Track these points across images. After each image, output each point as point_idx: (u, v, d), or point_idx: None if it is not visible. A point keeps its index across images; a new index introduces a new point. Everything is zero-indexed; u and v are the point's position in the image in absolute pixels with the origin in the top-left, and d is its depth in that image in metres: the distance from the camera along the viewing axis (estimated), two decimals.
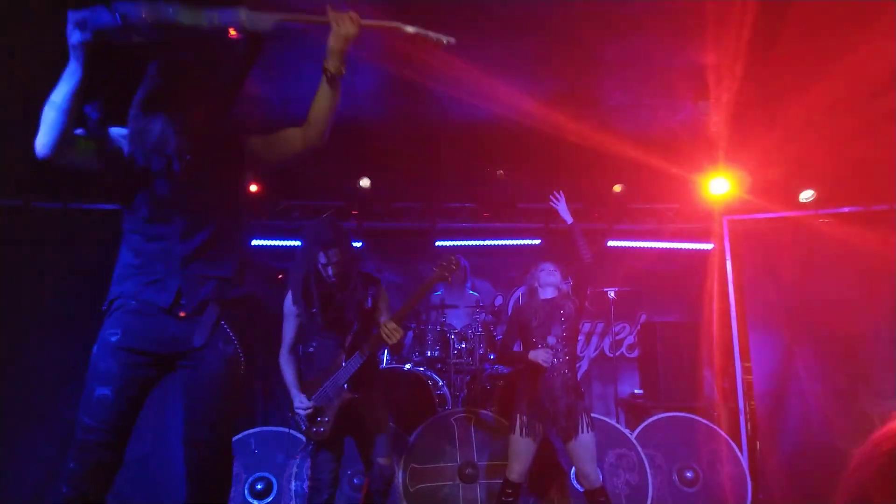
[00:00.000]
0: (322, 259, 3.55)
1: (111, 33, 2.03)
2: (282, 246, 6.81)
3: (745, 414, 5.81)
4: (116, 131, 2.30)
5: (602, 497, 4.01)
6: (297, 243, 6.67)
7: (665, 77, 4.61)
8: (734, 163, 6.03)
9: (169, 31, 2.10)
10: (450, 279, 3.79)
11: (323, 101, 2.41)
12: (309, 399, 3.63)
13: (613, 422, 5.39)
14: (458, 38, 2.30)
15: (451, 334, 5.82)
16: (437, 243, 7.02)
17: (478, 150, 5.88)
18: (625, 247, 7.16)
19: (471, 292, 6.57)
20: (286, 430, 5.05)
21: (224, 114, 2.50)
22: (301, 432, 3.70)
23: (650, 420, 5.20)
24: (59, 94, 2.05)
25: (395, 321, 3.56)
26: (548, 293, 4.06)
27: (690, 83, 4.67)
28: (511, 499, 4.09)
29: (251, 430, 4.97)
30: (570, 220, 4.26)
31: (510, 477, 4.05)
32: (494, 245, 7.17)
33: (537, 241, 7.07)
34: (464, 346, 5.81)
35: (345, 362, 3.60)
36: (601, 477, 4.16)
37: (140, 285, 2.22)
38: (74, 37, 2.02)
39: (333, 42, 2.32)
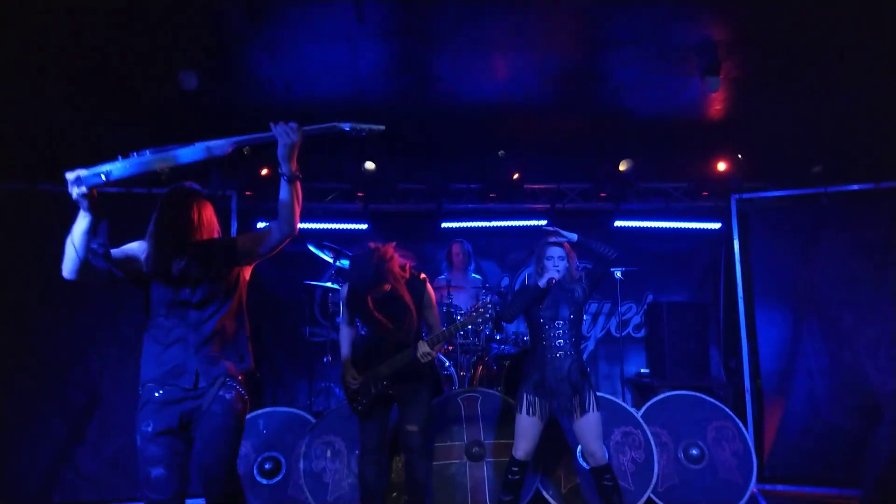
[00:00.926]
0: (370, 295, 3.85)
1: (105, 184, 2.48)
2: None
3: (752, 392, 5.82)
4: (132, 247, 2.83)
5: (608, 474, 4.04)
6: (304, 225, 6.75)
7: (672, 53, 4.55)
8: (742, 140, 5.99)
9: (152, 174, 2.59)
10: (481, 327, 4.35)
11: (286, 199, 2.80)
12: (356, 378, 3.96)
13: (619, 401, 5.40)
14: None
15: (457, 315, 5.82)
16: (443, 224, 7.00)
17: (484, 129, 5.84)
18: (632, 226, 7.13)
19: (474, 276, 6.56)
20: (296, 411, 5.10)
21: (219, 228, 3.01)
22: (346, 401, 4.05)
23: (656, 399, 5.20)
24: (75, 233, 2.54)
25: (429, 345, 3.87)
26: (556, 273, 4.05)
27: (698, 59, 4.61)
28: (517, 477, 4.12)
29: (260, 412, 5.00)
30: (574, 237, 4.17)
31: (516, 455, 4.07)
32: (500, 226, 7.14)
33: (544, 222, 7.04)
34: (470, 326, 5.80)
35: (386, 361, 3.90)
36: (607, 455, 4.18)
37: (164, 373, 2.71)
38: (73, 192, 2.46)
39: (282, 151, 2.68)
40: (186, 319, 2.75)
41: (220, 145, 2.66)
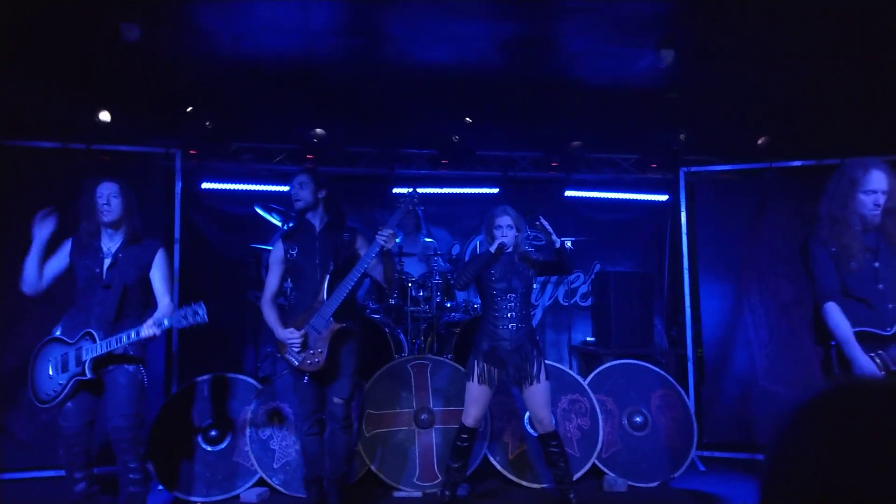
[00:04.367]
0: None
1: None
2: (234, 190, 6.62)
3: (693, 361, 5.97)
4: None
5: (554, 441, 4.11)
6: (250, 187, 6.57)
7: (626, 22, 4.54)
8: (691, 113, 6.06)
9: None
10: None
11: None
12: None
13: (566, 368, 5.48)
14: None
15: (408, 282, 5.79)
16: (394, 190, 6.91)
17: (436, 94, 5.74)
18: (582, 196, 7.18)
19: (426, 240, 6.51)
20: (242, 377, 5.00)
21: None
22: (295, 368, 3.88)
23: (602, 367, 5.29)
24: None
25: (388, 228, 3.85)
26: (505, 240, 4.02)
27: (652, 31, 4.61)
28: (466, 444, 4.15)
29: (203, 377, 4.88)
30: (558, 241, 4.06)
31: (466, 422, 4.10)
32: (452, 193, 7.09)
33: (496, 190, 7.02)
34: (421, 294, 5.79)
35: (326, 298, 3.81)
36: (554, 422, 4.24)
37: None
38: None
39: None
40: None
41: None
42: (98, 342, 3.58)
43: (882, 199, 3.26)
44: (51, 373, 3.68)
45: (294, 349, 3.83)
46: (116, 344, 3.57)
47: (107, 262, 3.74)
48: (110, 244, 3.78)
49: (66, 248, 3.80)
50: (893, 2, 3.90)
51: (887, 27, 4.16)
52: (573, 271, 4.23)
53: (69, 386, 3.62)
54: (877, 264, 3.33)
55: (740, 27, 4.49)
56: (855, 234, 3.32)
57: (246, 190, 6.60)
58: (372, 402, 4.82)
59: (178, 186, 5.68)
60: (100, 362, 3.62)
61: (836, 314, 3.29)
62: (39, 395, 3.69)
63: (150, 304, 3.86)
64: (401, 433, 4.80)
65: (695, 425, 5.16)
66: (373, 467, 4.69)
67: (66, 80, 4.91)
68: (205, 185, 6.52)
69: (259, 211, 5.91)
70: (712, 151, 6.48)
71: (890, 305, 3.30)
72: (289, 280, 4.31)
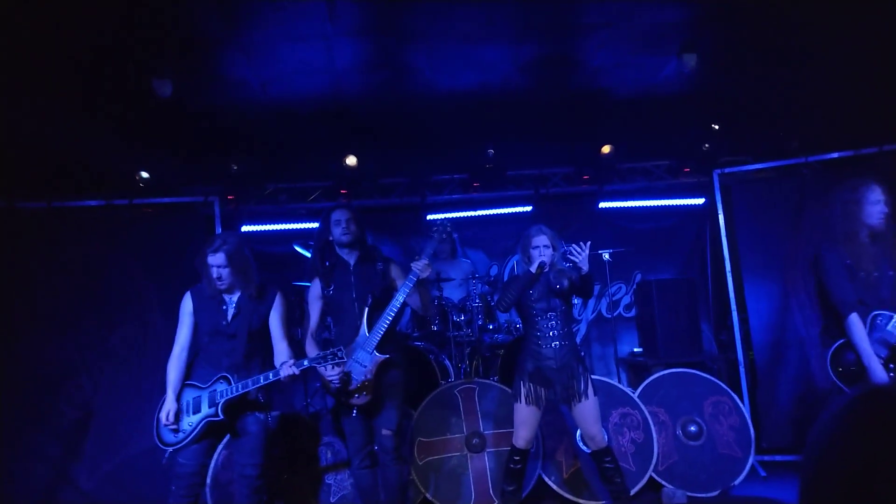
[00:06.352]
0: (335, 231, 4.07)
1: None
2: (272, 231, 6.77)
3: (745, 365, 5.87)
4: None
5: (608, 457, 4.07)
6: (288, 226, 6.70)
7: (647, 33, 4.55)
8: (721, 115, 6.01)
9: None
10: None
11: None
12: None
13: (615, 381, 5.43)
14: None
15: (449, 307, 5.83)
16: (428, 217, 6.98)
17: (463, 119, 5.81)
18: (617, 207, 7.14)
19: (464, 261, 6.56)
20: (294, 414, 5.07)
21: None
22: (343, 403, 3.90)
23: (651, 378, 5.23)
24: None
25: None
26: (543, 260, 4.03)
27: (673, 37, 4.61)
28: (519, 465, 4.14)
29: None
30: (585, 268, 4.06)
31: (517, 444, 4.09)
32: (486, 215, 7.13)
33: (529, 208, 7.04)
34: (462, 318, 5.81)
35: (368, 332, 3.87)
36: (606, 437, 4.20)
37: None
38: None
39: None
40: None
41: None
42: (233, 384, 3.66)
43: (885, 207, 3.69)
44: (183, 415, 3.74)
45: (335, 385, 3.83)
46: (252, 385, 3.64)
47: (231, 312, 3.81)
48: (230, 297, 3.86)
49: (188, 307, 3.87)
50: None
51: None
52: (592, 295, 4.25)
53: (199, 427, 3.67)
54: (891, 273, 3.68)
55: (760, 26, 4.47)
56: (866, 246, 3.70)
57: (284, 230, 6.74)
58: (422, 429, 4.84)
59: (218, 231, 5.84)
60: (233, 407, 3.68)
61: (858, 326, 3.62)
62: (164, 438, 3.74)
63: (269, 349, 3.92)
64: (453, 459, 4.80)
65: (752, 430, 5.05)
66: (428, 495, 4.70)
67: (106, 140, 5.10)
68: (244, 228, 6.67)
69: (298, 249, 6.02)
70: (745, 151, 6.40)
71: None
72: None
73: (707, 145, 6.26)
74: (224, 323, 3.78)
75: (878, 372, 3.56)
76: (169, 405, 3.73)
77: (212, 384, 3.72)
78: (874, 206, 3.70)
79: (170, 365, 3.84)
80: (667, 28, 4.49)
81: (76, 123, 4.91)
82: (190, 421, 3.71)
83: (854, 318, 3.63)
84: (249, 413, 3.75)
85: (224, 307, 3.81)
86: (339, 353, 3.55)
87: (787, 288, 5.76)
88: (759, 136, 6.18)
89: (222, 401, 3.64)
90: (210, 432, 3.73)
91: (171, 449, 3.72)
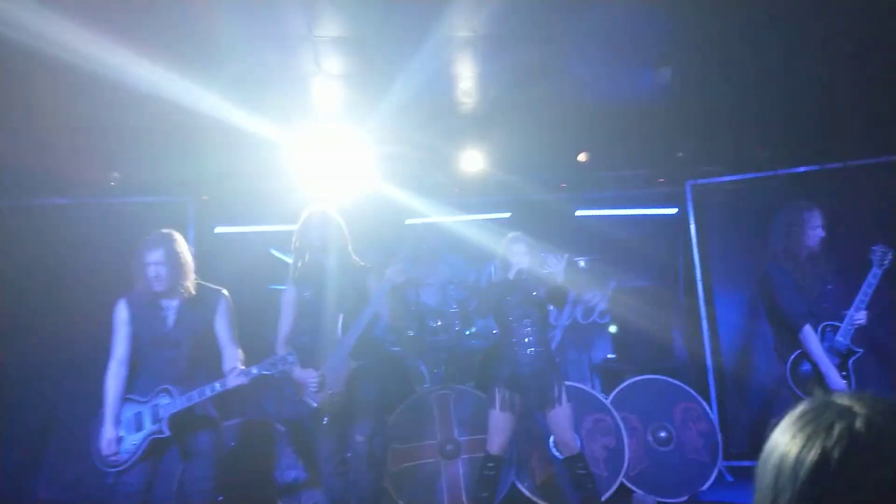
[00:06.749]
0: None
1: None
2: (246, 233, 6.71)
3: (714, 371, 5.97)
4: None
5: (581, 463, 4.13)
6: (263, 227, 6.64)
7: (625, 45, 4.62)
8: (693, 126, 6.11)
9: None
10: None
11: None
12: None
13: (588, 388, 5.50)
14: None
15: (425, 313, 5.85)
16: (407, 221, 6.99)
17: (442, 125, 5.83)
18: (593, 215, 7.22)
19: (440, 265, 6.57)
20: (266, 420, 5.05)
21: None
22: (314, 409, 3.84)
23: (624, 384, 5.31)
24: None
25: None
26: (521, 267, 4.08)
27: (650, 50, 4.68)
28: (493, 472, 4.18)
29: (229, 422, 4.94)
30: (561, 276, 4.10)
31: (491, 450, 4.13)
32: (464, 220, 7.15)
33: (507, 214, 7.09)
34: (439, 323, 5.84)
35: (342, 335, 3.84)
36: (579, 443, 4.26)
37: None
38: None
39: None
40: None
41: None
42: (176, 397, 3.45)
43: (822, 232, 4.04)
44: (122, 433, 3.49)
45: (312, 390, 3.80)
46: (199, 397, 3.46)
47: (171, 318, 3.59)
48: (169, 302, 3.62)
49: (123, 315, 3.60)
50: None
51: (885, 27, 4.21)
52: (565, 305, 4.37)
53: (143, 445, 3.46)
54: (829, 287, 3.97)
55: (734, 39, 4.56)
56: (805, 264, 4.01)
57: (260, 231, 6.69)
58: (396, 436, 4.86)
59: (191, 233, 5.77)
60: (180, 423, 3.50)
61: (812, 337, 3.84)
62: (107, 459, 3.47)
63: (217, 358, 3.72)
64: (427, 466, 4.83)
65: (720, 436, 5.15)
66: (401, 503, 4.71)
67: (76, 141, 5.01)
68: (218, 230, 6.59)
69: (275, 253, 5.99)
70: (718, 163, 6.51)
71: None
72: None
73: (681, 153, 6.35)
74: (165, 331, 3.56)
75: (835, 379, 3.76)
76: (108, 434, 3.46)
77: (153, 398, 3.49)
78: (814, 230, 4.04)
79: (106, 384, 3.53)
80: (643, 42, 4.56)
81: (46, 122, 4.85)
82: (133, 440, 3.47)
83: (808, 330, 3.85)
84: (200, 430, 3.57)
85: (163, 313, 3.57)
86: (289, 359, 3.47)
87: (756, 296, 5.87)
88: (731, 149, 6.29)
89: (167, 416, 3.43)
90: (155, 449, 3.52)
91: (114, 470, 3.47)
